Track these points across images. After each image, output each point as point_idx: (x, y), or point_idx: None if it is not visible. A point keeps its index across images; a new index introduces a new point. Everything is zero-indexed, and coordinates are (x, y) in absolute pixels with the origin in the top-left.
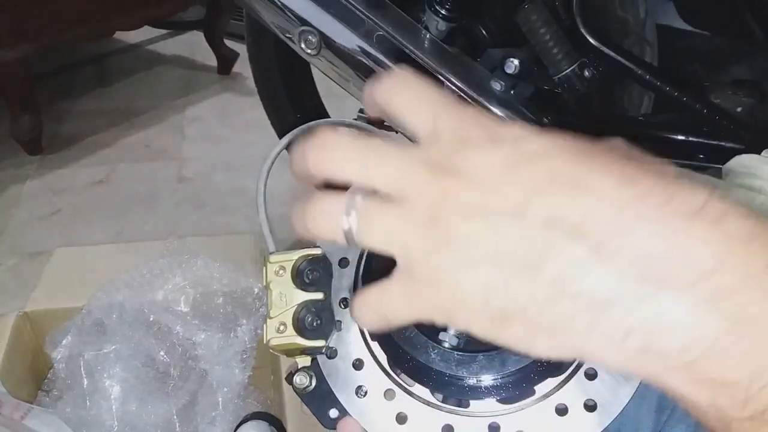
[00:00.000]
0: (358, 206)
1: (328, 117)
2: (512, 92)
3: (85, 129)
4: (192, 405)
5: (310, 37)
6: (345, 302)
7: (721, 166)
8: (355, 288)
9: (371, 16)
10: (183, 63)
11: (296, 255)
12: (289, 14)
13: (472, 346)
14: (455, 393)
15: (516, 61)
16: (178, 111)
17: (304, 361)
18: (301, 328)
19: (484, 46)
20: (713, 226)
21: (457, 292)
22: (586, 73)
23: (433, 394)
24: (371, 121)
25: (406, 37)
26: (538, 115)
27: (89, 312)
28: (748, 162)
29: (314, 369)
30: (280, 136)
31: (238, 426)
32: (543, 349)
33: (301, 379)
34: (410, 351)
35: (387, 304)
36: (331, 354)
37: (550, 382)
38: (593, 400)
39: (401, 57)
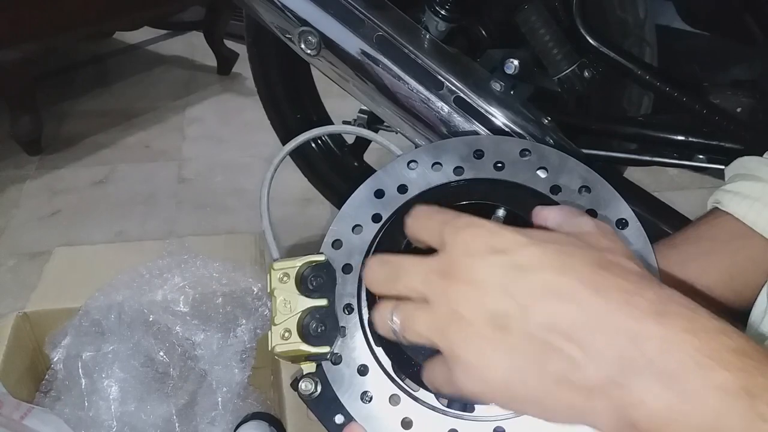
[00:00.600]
0: (398, 312)
1: (328, 117)
2: (512, 92)
3: (85, 129)
4: (191, 405)
5: (309, 37)
6: (349, 308)
7: (721, 167)
8: (358, 294)
9: (371, 17)
10: (183, 63)
11: (300, 262)
12: (289, 14)
13: None
14: (461, 398)
15: (516, 62)
16: (178, 111)
17: (309, 367)
18: (305, 334)
19: (484, 46)
20: (657, 320)
21: (486, 378)
22: (586, 74)
23: (438, 399)
24: (368, 122)
25: (405, 37)
26: (538, 115)
27: (88, 312)
28: (749, 164)
29: (319, 375)
30: (280, 136)
31: (237, 426)
32: (552, 419)
33: (306, 386)
34: (415, 357)
35: (432, 379)
36: (336, 360)
37: None
38: None
39: (401, 57)
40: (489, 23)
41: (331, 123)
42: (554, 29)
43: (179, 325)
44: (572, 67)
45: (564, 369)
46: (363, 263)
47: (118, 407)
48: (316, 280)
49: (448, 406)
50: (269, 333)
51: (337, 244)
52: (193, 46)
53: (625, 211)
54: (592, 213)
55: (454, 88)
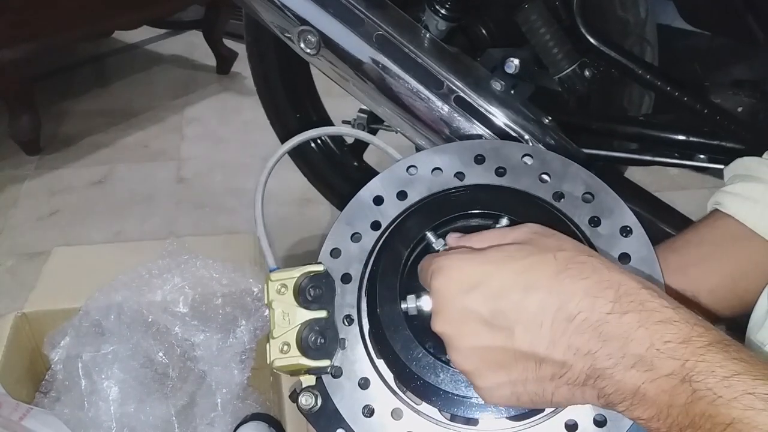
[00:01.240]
0: None
1: (328, 116)
2: (513, 92)
3: (84, 129)
4: (191, 406)
5: (309, 36)
6: (349, 319)
7: (722, 167)
8: (358, 304)
9: (371, 16)
10: (182, 63)
11: (298, 272)
12: (289, 14)
13: None
14: (464, 411)
15: (516, 61)
16: (177, 111)
17: (309, 380)
18: (305, 347)
19: (484, 46)
20: (618, 319)
21: (496, 399)
22: (587, 73)
23: (441, 413)
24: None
25: (406, 36)
26: (539, 114)
27: (87, 313)
28: (749, 164)
29: (319, 388)
30: (280, 135)
31: (237, 427)
32: (552, 406)
33: (306, 399)
34: (418, 371)
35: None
36: (336, 373)
37: None
38: (603, 416)
39: (401, 56)
40: (489, 22)
41: (331, 123)
42: (555, 28)
43: (179, 325)
44: (573, 67)
45: (556, 372)
46: (362, 273)
47: (118, 408)
48: (314, 290)
49: (451, 420)
50: (267, 346)
51: (335, 252)
52: (193, 45)
53: (629, 218)
54: (595, 220)
55: (454, 88)
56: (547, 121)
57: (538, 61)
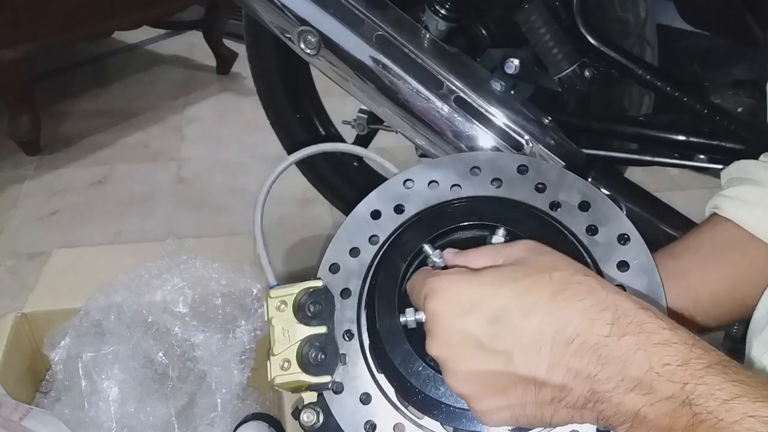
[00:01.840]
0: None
1: (328, 117)
2: (513, 92)
3: (84, 129)
4: (191, 406)
5: (309, 37)
6: (349, 334)
7: (721, 167)
8: (358, 319)
9: (371, 16)
10: (182, 63)
11: (297, 288)
12: (289, 14)
13: None
14: (467, 425)
15: (516, 61)
16: (177, 111)
17: (311, 396)
18: (305, 364)
19: (484, 46)
20: (618, 341)
21: (496, 421)
22: (587, 73)
23: (443, 427)
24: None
25: (405, 37)
26: (539, 114)
27: (87, 313)
28: (746, 167)
29: (321, 404)
30: (280, 136)
31: (236, 427)
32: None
33: (308, 416)
34: (419, 386)
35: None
36: (338, 389)
37: None
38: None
39: (401, 57)
40: (489, 22)
41: (330, 122)
42: (555, 28)
43: (178, 326)
44: (573, 67)
45: (555, 395)
46: (362, 288)
47: (118, 408)
48: (314, 306)
49: None
50: (268, 363)
51: (334, 267)
52: (192, 45)
53: (626, 225)
54: (593, 228)
55: (454, 88)
56: (547, 121)
57: (538, 62)
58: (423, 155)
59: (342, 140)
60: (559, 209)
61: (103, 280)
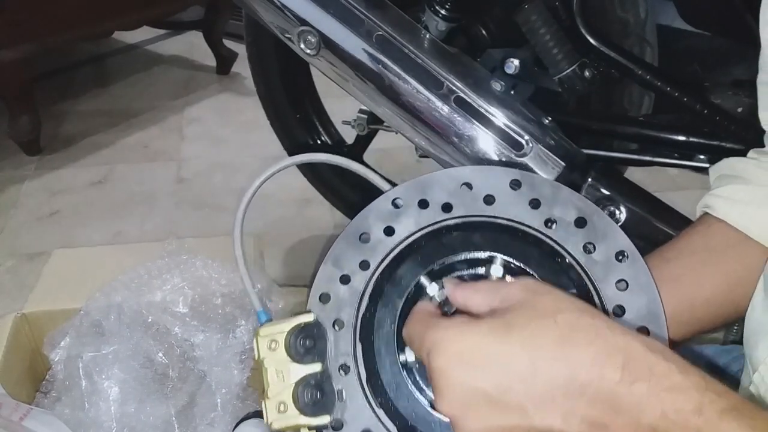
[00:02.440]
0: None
1: (328, 117)
2: (512, 92)
3: (84, 129)
4: (190, 406)
5: (309, 37)
6: (345, 368)
7: None
8: (354, 351)
9: (371, 16)
10: (182, 63)
11: (288, 326)
12: (288, 14)
13: None
14: None
15: (516, 61)
16: (177, 111)
17: None
18: (302, 405)
19: (484, 46)
20: (628, 388)
21: None
22: (587, 74)
23: None
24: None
25: (405, 37)
26: (539, 115)
27: (87, 313)
28: (735, 165)
29: None
30: (280, 136)
31: (237, 424)
32: None
33: None
34: (423, 429)
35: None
36: (337, 425)
37: None
38: None
39: (401, 57)
40: (489, 23)
41: (330, 123)
42: (555, 29)
43: (178, 325)
44: (573, 67)
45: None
46: (356, 318)
47: (118, 408)
48: (307, 341)
49: None
50: (263, 406)
51: (324, 297)
52: (192, 45)
53: (623, 241)
54: (589, 246)
55: (454, 88)
56: (547, 121)
57: (538, 62)
58: (423, 155)
59: (342, 140)
60: (554, 226)
61: (103, 280)
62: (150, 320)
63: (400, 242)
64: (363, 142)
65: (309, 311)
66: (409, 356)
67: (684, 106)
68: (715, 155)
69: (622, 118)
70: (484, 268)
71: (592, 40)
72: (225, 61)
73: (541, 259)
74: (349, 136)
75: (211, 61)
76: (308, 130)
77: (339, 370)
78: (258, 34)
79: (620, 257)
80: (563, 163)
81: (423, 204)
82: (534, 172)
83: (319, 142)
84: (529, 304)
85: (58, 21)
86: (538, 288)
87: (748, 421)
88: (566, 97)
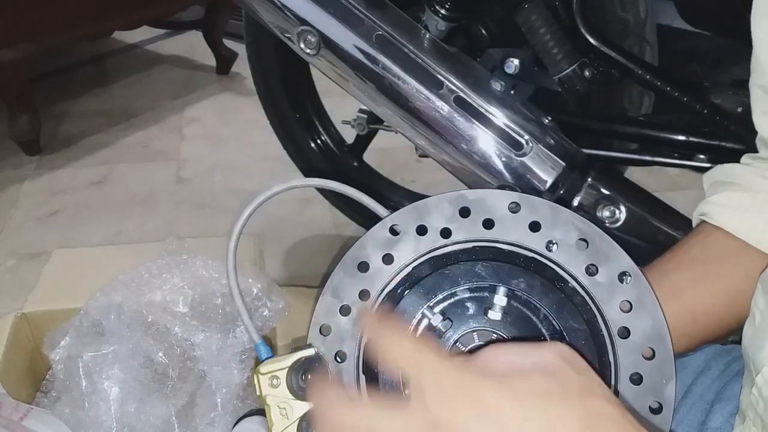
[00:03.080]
0: None
1: (327, 116)
2: (512, 92)
3: (84, 129)
4: (191, 406)
5: (309, 36)
6: None
7: None
8: (357, 383)
9: (371, 16)
10: (182, 63)
11: (288, 361)
12: (288, 14)
13: None
14: None
15: (516, 61)
16: (177, 111)
17: None
18: None
19: (484, 46)
20: None
21: None
22: (587, 73)
23: None
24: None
25: (405, 36)
26: (539, 114)
27: (87, 313)
28: (730, 171)
29: None
30: (280, 136)
31: (237, 421)
32: None
33: None
34: None
35: None
36: None
37: None
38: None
39: (401, 57)
40: (489, 22)
41: (330, 122)
42: (555, 28)
43: (178, 325)
44: (573, 67)
45: None
46: (359, 349)
47: (118, 408)
48: (308, 376)
49: None
50: None
51: (325, 329)
52: (192, 45)
53: (627, 263)
54: (592, 268)
55: (454, 88)
56: (547, 121)
57: (538, 61)
58: (423, 155)
59: (342, 140)
60: (556, 248)
61: (103, 280)
62: (150, 320)
63: (400, 270)
64: (363, 141)
65: (309, 345)
66: None
67: (684, 106)
68: (715, 155)
69: (622, 118)
70: (487, 294)
71: (592, 40)
72: (225, 61)
73: (546, 291)
74: (348, 135)
75: (211, 61)
76: (308, 129)
77: None
78: (258, 34)
79: (623, 278)
80: (563, 163)
81: (421, 230)
82: (534, 172)
83: (318, 141)
84: (558, 374)
85: (58, 21)
86: (574, 360)
87: None
88: (566, 97)
